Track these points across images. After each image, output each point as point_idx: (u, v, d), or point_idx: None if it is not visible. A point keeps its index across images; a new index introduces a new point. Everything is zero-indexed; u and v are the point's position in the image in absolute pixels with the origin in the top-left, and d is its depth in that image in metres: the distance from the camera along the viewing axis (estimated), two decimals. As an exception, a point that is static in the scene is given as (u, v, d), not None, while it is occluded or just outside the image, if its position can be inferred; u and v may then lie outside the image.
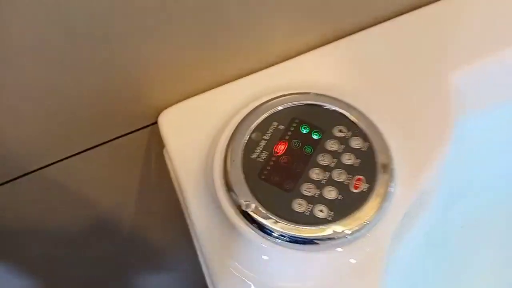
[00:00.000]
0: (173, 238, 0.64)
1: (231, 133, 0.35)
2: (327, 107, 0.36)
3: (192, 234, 0.38)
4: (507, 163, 0.51)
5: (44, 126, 0.38)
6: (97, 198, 0.51)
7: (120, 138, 0.43)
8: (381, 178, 0.33)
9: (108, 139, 0.43)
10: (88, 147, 0.42)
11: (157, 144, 0.46)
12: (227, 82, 0.41)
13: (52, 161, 0.42)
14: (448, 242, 0.52)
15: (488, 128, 0.47)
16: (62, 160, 0.42)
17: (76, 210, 0.51)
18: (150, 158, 0.48)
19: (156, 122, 0.42)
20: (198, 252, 0.37)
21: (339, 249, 0.32)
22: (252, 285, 0.33)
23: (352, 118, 0.35)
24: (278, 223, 0.31)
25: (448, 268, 0.52)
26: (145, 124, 0.43)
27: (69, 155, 0.42)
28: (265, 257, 0.33)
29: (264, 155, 0.34)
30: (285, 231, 0.31)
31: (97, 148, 0.43)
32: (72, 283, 0.65)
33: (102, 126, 0.41)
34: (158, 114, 0.41)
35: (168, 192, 0.49)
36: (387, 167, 0.33)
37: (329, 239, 0.31)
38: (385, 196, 0.32)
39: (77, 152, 0.42)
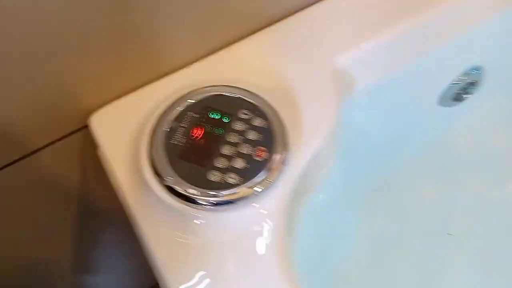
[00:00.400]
0: (119, 236, 0.68)
1: (153, 125, 0.42)
2: (232, 96, 0.44)
3: (133, 223, 0.44)
4: (389, 129, 0.62)
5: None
6: (39, 204, 0.55)
7: (56, 143, 0.48)
8: (278, 147, 0.41)
9: (43, 145, 0.47)
10: (24, 155, 0.47)
11: (90, 146, 0.51)
12: (147, 84, 0.48)
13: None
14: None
15: (372, 101, 0.56)
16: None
17: (17, 217, 0.54)
18: (86, 160, 0.52)
19: (87, 126, 0.48)
20: (140, 236, 0.43)
21: (254, 204, 0.39)
22: (189, 246, 0.39)
23: (254, 102, 0.43)
24: (199, 192, 0.38)
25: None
26: (78, 128, 0.48)
27: (5, 164, 0.46)
28: (196, 221, 0.39)
29: (183, 140, 0.41)
30: (206, 198, 0.38)
31: (32, 155, 0.48)
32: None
33: (35, 133, 0.46)
34: (88, 118, 0.47)
35: (107, 189, 0.54)
36: (283, 139, 0.41)
37: (241, 198, 0.38)
38: (283, 161, 0.40)
39: (13, 160, 0.47)
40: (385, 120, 0.63)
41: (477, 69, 0.68)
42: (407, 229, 0.70)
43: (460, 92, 0.69)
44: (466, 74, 0.67)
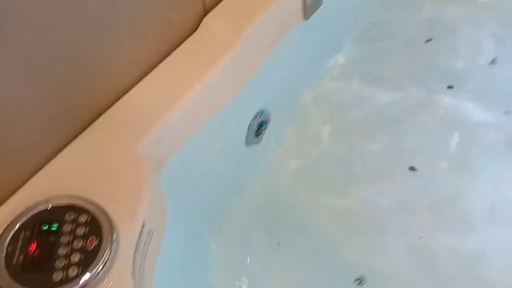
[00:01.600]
0: None
1: (-9, 254, 0.48)
2: (55, 205, 0.52)
3: None
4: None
5: None
6: None
7: None
8: (106, 232, 0.50)
9: None
10: None
11: None
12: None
13: None
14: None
15: (186, 164, 0.69)
16: None
17: None
18: None
19: None
20: None
21: (101, 285, 0.47)
22: None
23: (76, 203, 0.52)
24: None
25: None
26: None
27: None
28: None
29: (21, 258, 0.47)
30: (55, 297, 0.45)
31: None
32: None
33: None
34: None
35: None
36: (108, 224, 0.51)
37: (87, 284, 0.46)
38: (111, 241, 0.49)
39: None
40: (204, 173, 0.76)
41: (262, 111, 0.87)
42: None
43: (258, 129, 0.87)
44: (256, 116, 0.85)
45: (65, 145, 0.60)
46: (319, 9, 0.89)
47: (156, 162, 0.64)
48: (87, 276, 0.47)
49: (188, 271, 0.72)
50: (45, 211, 0.51)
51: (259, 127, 0.87)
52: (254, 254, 0.82)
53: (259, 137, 0.88)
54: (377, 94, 1.02)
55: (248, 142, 0.86)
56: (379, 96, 1.02)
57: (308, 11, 0.85)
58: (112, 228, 0.50)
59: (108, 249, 0.49)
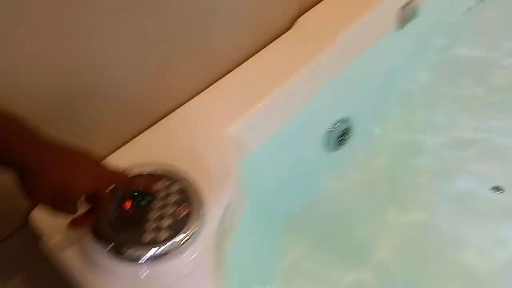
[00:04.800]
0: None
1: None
2: (153, 170, 0.54)
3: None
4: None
5: None
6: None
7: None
8: (195, 205, 0.52)
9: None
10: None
11: (32, 242, 0.57)
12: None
13: None
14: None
15: (265, 158, 0.70)
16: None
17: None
18: (28, 256, 0.58)
19: (27, 223, 0.54)
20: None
21: (182, 255, 0.49)
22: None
23: (171, 171, 0.54)
24: (138, 252, 0.47)
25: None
26: (18, 227, 0.55)
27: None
28: (141, 277, 0.48)
29: (116, 212, 0.50)
30: (145, 255, 0.47)
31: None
32: None
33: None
34: (27, 216, 0.54)
35: (51, 276, 0.60)
36: (199, 196, 0.52)
37: (173, 250, 0.48)
38: (200, 214, 0.51)
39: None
40: (281, 168, 0.77)
41: (346, 119, 0.86)
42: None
43: (340, 137, 0.87)
44: (338, 122, 0.85)
45: (161, 118, 0.63)
46: (413, 20, 0.88)
47: (241, 148, 0.65)
48: (173, 243, 0.48)
49: (256, 257, 0.72)
50: (141, 175, 0.54)
51: (340, 134, 0.86)
52: (319, 255, 0.81)
53: (339, 143, 0.87)
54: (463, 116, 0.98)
55: (326, 146, 0.86)
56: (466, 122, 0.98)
57: (403, 21, 0.84)
58: (201, 202, 0.52)
59: (196, 222, 0.50)
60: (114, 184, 0.45)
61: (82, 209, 0.44)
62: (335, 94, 0.79)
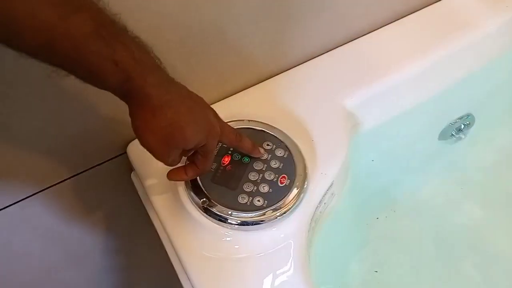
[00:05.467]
0: (143, 253, 0.72)
1: (188, 153, 0.47)
2: (256, 129, 0.50)
3: (163, 239, 0.49)
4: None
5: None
6: (69, 225, 0.59)
7: (97, 167, 0.53)
8: (299, 176, 0.46)
9: (86, 169, 0.53)
10: (69, 176, 0.52)
11: (126, 171, 0.56)
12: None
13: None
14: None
15: (377, 136, 0.62)
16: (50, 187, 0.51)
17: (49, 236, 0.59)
18: (120, 184, 0.58)
19: (125, 152, 0.53)
20: (169, 251, 0.48)
21: (277, 226, 0.44)
22: (216, 261, 0.44)
23: (276, 135, 0.49)
24: (230, 212, 0.43)
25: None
26: (116, 154, 0.54)
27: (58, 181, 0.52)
28: (225, 239, 0.44)
29: (214, 166, 0.46)
30: (235, 218, 0.43)
31: (75, 177, 0.53)
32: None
33: (82, 157, 0.52)
34: (127, 145, 0.52)
35: (135, 210, 0.59)
36: (303, 169, 0.47)
37: (266, 220, 0.43)
38: (302, 188, 0.45)
39: (61, 180, 0.52)
40: (387, 156, 0.69)
41: (468, 115, 0.75)
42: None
43: (457, 130, 0.76)
44: (460, 117, 0.74)
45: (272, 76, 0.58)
46: None
47: (355, 124, 0.58)
48: (267, 213, 0.44)
49: (345, 242, 0.67)
50: (245, 130, 0.49)
51: (459, 129, 0.76)
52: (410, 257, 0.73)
53: (457, 138, 0.77)
54: None
55: (442, 140, 0.76)
56: None
57: None
58: (305, 175, 0.47)
59: (296, 195, 0.45)
60: (223, 140, 0.41)
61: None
62: (465, 87, 0.68)
